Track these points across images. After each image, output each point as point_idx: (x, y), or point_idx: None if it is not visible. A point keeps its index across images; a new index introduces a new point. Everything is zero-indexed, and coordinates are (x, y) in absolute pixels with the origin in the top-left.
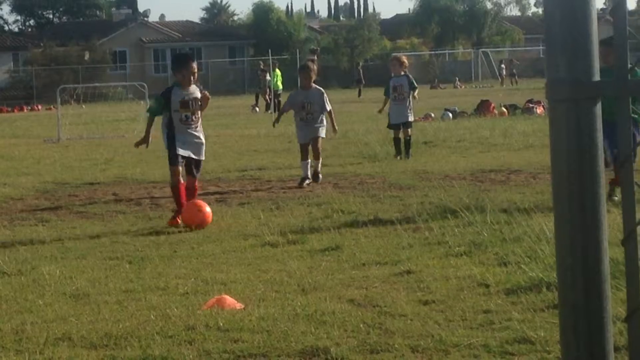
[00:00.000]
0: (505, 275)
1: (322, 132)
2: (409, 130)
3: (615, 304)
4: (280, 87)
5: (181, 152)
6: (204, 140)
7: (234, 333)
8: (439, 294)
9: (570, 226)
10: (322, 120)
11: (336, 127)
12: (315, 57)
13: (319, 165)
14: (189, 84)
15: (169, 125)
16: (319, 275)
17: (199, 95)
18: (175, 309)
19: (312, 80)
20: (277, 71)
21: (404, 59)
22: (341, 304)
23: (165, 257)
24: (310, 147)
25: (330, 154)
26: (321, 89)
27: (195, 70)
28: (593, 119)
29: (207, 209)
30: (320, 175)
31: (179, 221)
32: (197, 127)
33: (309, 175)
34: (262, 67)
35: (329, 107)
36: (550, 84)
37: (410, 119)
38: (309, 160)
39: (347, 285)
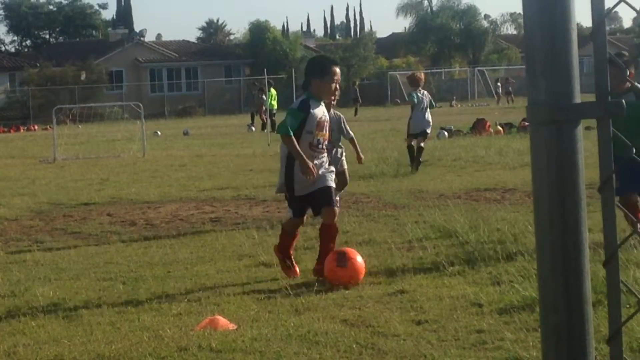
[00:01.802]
0: (499, 295)
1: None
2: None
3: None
4: (276, 106)
5: (301, 192)
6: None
7: (227, 354)
8: (432, 313)
9: (552, 249)
10: (342, 152)
11: (361, 155)
12: None
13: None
14: (331, 98)
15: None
16: (313, 296)
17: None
18: (168, 330)
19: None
20: (273, 91)
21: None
22: (334, 324)
23: (159, 277)
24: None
25: None
26: (339, 113)
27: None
28: (574, 142)
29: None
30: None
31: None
32: (325, 158)
33: None
34: (258, 86)
35: (351, 134)
36: (531, 106)
37: (428, 130)
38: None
39: (341, 305)
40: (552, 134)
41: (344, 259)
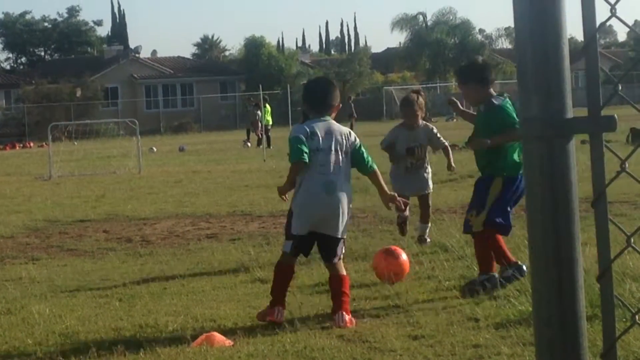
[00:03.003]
0: (495, 309)
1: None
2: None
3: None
4: (271, 122)
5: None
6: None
7: None
8: (428, 328)
9: (545, 264)
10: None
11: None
12: None
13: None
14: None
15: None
16: (309, 311)
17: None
18: (165, 347)
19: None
20: (267, 106)
21: None
22: (331, 339)
23: (155, 294)
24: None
25: None
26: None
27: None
28: (567, 157)
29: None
30: (428, 239)
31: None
32: None
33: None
34: (254, 102)
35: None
36: (523, 121)
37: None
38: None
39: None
40: (545, 149)
41: (393, 253)
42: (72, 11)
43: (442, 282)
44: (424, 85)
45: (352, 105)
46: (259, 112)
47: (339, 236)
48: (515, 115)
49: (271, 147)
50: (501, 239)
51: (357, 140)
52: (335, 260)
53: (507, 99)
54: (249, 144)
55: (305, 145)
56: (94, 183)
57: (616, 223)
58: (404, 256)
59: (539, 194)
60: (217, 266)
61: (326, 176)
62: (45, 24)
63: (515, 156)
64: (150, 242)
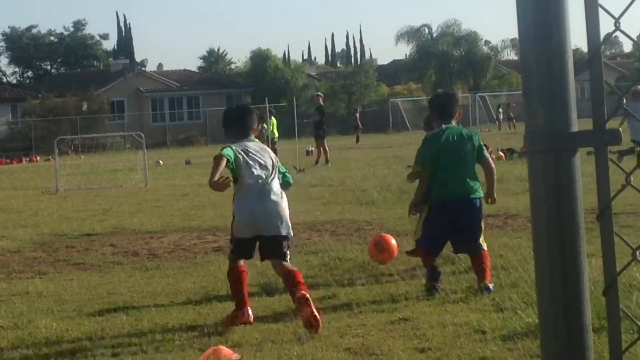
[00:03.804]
0: (502, 321)
1: None
2: None
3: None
4: (277, 134)
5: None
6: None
7: None
8: (435, 341)
9: (551, 277)
10: None
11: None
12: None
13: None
14: None
15: None
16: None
17: None
18: None
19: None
20: (273, 119)
21: None
22: (338, 352)
23: (162, 307)
24: None
25: (328, 200)
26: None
27: None
28: (572, 170)
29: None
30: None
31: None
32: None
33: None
34: (259, 115)
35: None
36: (528, 135)
37: None
38: None
39: (344, 333)
40: (550, 162)
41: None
42: (78, 25)
43: (449, 295)
44: (430, 97)
45: (358, 117)
46: (264, 125)
47: (283, 234)
48: (427, 150)
49: None
50: (429, 258)
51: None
52: (287, 260)
53: (441, 131)
54: None
55: (233, 153)
56: (100, 197)
57: (622, 236)
58: (392, 243)
59: (544, 208)
60: (223, 279)
61: (261, 186)
62: (52, 37)
63: (440, 183)
64: (157, 255)
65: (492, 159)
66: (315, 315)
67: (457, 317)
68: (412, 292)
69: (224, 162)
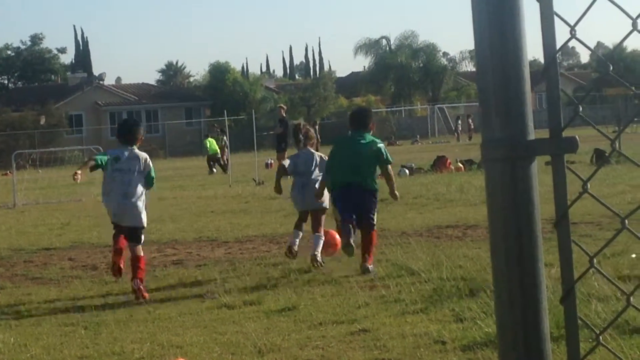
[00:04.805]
0: (462, 332)
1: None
2: None
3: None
4: (218, 151)
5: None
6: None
7: None
8: (395, 352)
9: (509, 286)
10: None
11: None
12: (284, 114)
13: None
14: None
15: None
16: (276, 336)
17: None
18: None
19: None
20: (210, 139)
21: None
22: None
23: (121, 321)
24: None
25: (287, 212)
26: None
27: None
28: (529, 178)
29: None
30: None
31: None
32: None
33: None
34: (218, 127)
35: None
36: (485, 143)
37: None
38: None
39: (304, 345)
40: (507, 170)
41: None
42: (36, 39)
43: (409, 306)
44: (390, 109)
45: (317, 129)
46: (224, 138)
47: (139, 226)
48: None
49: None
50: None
51: (150, 164)
52: (139, 245)
53: (342, 138)
54: (214, 170)
55: (104, 158)
56: (58, 211)
57: (579, 244)
58: (337, 238)
59: (501, 215)
60: (183, 293)
61: (125, 188)
62: (9, 52)
63: (339, 175)
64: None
65: (451, 170)
66: (143, 295)
67: (417, 327)
68: (372, 303)
69: (91, 163)
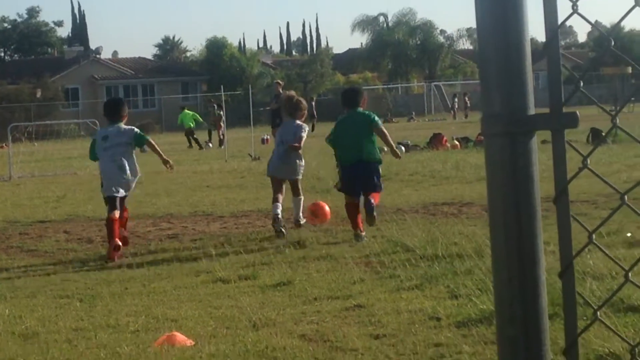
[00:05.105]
0: (456, 308)
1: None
2: None
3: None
4: (192, 125)
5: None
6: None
7: None
8: (390, 327)
9: (507, 261)
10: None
11: None
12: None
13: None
14: None
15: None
16: (271, 311)
17: None
18: (126, 347)
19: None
20: (187, 111)
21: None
22: (292, 339)
23: (116, 294)
24: None
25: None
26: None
27: None
28: (529, 153)
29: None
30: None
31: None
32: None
33: None
34: (214, 102)
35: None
36: (485, 118)
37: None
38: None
39: (299, 320)
40: (507, 145)
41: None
42: (32, 12)
43: (404, 282)
44: (386, 86)
45: (314, 105)
46: (221, 113)
47: (127, 194)
48: (335, 129)
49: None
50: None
51: (135, 129)
52: (125, 206)
53: (342, 119)
54: (210, 145)
55: (94, 148)
56: (54, 184)
57: (578, 220)
58: (326, 209)
59: (500, 191)
60: (178, 266)
61: (116, 162)
62: (5, 24)
63: (344, 151)
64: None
65: (447, 147)
66: (118, 247)
67: (411, 304)
68: (367, 279)
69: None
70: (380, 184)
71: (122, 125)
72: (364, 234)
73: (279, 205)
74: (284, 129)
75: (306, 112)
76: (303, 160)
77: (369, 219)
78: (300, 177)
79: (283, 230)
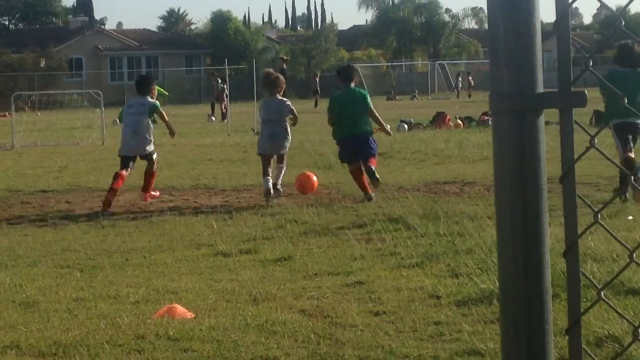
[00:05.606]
0: (457, 287)
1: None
2: None
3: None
4: (166, 94)
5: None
6: None
7: (184, 342)
8: (390, 305)
9: (512, 238)
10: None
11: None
12: (285, 65)
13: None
14: None
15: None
16: (271, 286)
17: None
18: (126, 318)
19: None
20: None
21: None
22: (292, 314)
23: (116, 265)
24: None
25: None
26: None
27: None
28: (536, 131)
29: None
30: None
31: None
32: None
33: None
34: (218, 76)
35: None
36: (494, 96)
37: None
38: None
39: (299, 295)
40: (514, 123)
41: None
42: None
43: (404, 259)
44: (390, 64)
45: (317, 81)
46: (225, 86)
47: (146, 153)
48: (333, 104)
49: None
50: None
51: (153, 102)
52: (152, 164)
53: (344, 91)
54: (213, 118)
55: (122, 113)
56: (56, 154)
57: (584, 199)
58: (314, 179)
59: (507, 168)
60: (179, 239)
61: (132, 127)
62: None
63: (342, 125)
64: (113, 213)
65: (450, 126)
66: (145, 198)
67: (412, 281)
68: (368, 256)
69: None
70: (375, 148)
71: (148, 99)
72: (373, 193)
73: (269, 179)
74: (267, 107)
75: (284, 86)
76: (290, 135)
77: (374, 181)
78: (286, 151)
79: (275, 201)
